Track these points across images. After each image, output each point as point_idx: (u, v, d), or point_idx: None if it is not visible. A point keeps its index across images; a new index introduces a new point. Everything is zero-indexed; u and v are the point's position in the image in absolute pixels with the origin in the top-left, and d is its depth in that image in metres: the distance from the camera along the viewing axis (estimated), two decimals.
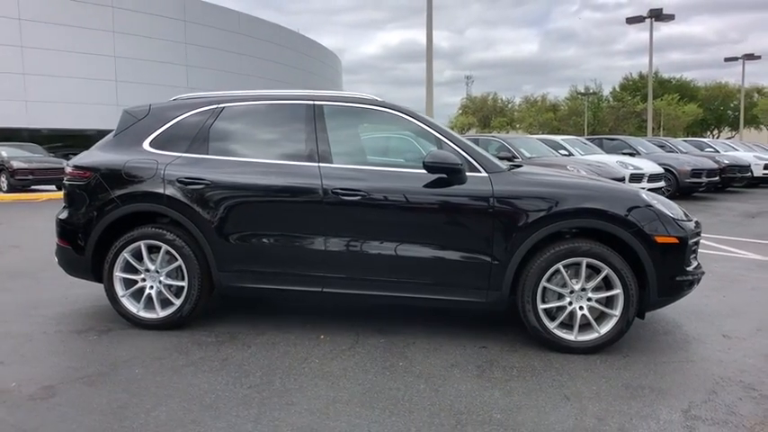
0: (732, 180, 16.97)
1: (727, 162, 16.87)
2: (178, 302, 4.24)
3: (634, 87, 59.41)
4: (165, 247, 4.23)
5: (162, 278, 4.28)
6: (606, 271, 3.79)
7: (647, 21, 30.55)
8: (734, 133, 60.85)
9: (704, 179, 14.81)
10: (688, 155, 16.68)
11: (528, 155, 12.15)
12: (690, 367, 3.67)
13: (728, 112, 64.04)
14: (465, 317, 4.61)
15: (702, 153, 17.92)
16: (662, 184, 13.36)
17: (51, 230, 4.76)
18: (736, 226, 10.15)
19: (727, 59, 43.06)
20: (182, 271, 4.23)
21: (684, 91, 60.57)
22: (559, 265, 3.83)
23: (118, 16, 30.21)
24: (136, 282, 4.32)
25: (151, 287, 4.30)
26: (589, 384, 3.38)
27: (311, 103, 4.35)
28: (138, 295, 4.33)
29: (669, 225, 3.86)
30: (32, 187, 17.84)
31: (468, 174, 3.98)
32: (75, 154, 4.89)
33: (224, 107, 4.45)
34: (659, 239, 3.80)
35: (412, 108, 4.45)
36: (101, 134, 5.50)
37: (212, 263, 4.19)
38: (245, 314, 4.70)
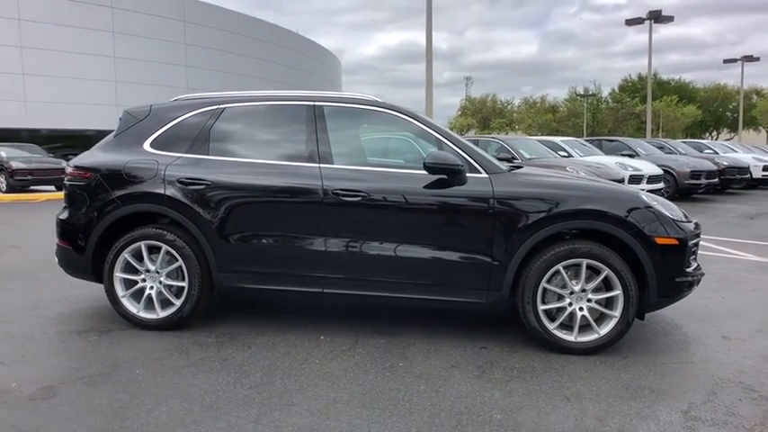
0: (731, 182, 16.99)
1: (726, 164, 16.89)
2: (178, 303, 4.24)
3: (633, 89, 59.54)
4: (165, 247, 4.23)
5: (162, 278, 4.29)
6: (606, 272, 3.80)
7: (647, 22, 30.61)
8: (733, 135, 60.95)
9: (703, 181, 14.82)
10: (687, 156, 16.71)
11: (527, 156, 12.17)
12: (689, 368, 3.67)
13: (727, 113, 64.19)
14: (465, 318, 4.61)
15: (701, 155, 17.94)
16: (661, 185, 13.38)
17: (51, 231, 4.76)
18: (735, 227, 10.16)
19: (725, 61, 43.18)
20: (182, 271, 4.23)
21: (683, 92, 60.72)
22: (559, 266, 3.83)
23: (117, 17, 30.22)
24: (136, 282, 4.32)
25: (151, 287, 4.30)
26: (589, 385, 3.39)
27: (312, 103, 4.36)
28: (138, 296, 4.33)
29: (669, 226, 3.86)
30: (31, 188, 17.83)
31: (468, 175, 3.99)
32: (75, 154, 4.89)
33: (225, 108, 4.46)
34: (659, 241, 3.81)
35: (412, 109, 4.45)
36: (100, 135, 5.50)
37: (213, 263, 4.20)
38: (245, 315, 4.70)
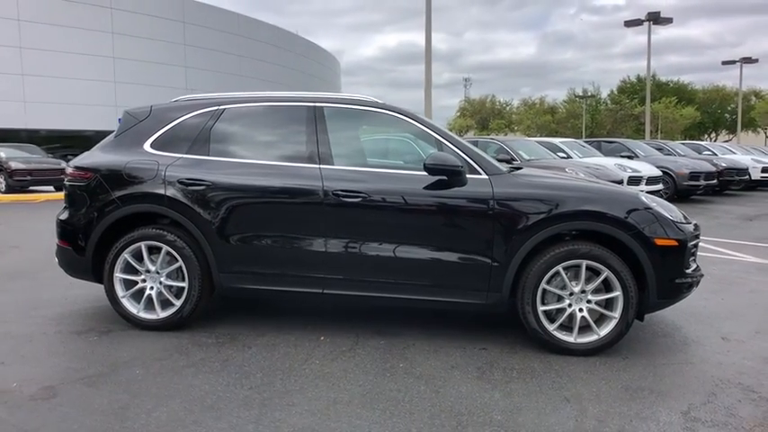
0: (730, 183, 17.01)
1: (724, 165, 16.91)
2: (178, 303, 4.25)
3: (632, 90, 59.60)
4: (165, 247, 4.23)
5: (162, 279, 4.29)
6: (606, 273, 3.81)
7: (645, 24, 30.63)
8: (731, 136, 61.00)
9: (702, 182, 14.84)
10: (686, 158, 16.72)
11: (526, 157, 12.18)
12: (689, 369, 3.68)
13: (726, 115, 64.23)
14: (465, 319, 4.62)
15: (700, 156, 17.96)
16: (660, 186, 13.39)
17: (50, 231, 4.76)
18: (734, 229, 10.18)
19: (724, 63, 43.20)
20: (182, 272, 4.23)
21: (682, 94, 60.77)
22: (559, 268, 3.84)
23: (117, 17, 30.21)
24: (136, 282, 4.32)
25: (151, 288, 4.30)
26: (589, 386, 3.39)
27: (312, 104, 4.36)
28: (138, 296, 4.33)
29: (668, 228, 3.87)
30: (31, 188, 17.81)
31: (468, 176, 3.99)
32: (74, 155, 4.89)
33: (225, 109, 4.46)
34: (659, 242, 3.81)
35: (411, 110, 4.46)
36: (99, 135, 5.50)
37: (213, 264, 4.20)
38: (245, 315, 4.70)
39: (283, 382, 3.41)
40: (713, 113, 63.64)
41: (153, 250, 4.30)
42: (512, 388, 3.36)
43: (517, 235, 3.87)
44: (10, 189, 17.18)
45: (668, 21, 30.67)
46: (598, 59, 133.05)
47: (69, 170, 4.53)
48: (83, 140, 25.58)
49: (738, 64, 42.33)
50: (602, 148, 16.70)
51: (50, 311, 4.80)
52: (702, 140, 46.83)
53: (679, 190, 14.52)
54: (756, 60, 42.01)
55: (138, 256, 4.29)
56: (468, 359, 3.81)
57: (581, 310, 3.88)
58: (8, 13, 26.80)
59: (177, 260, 4.23)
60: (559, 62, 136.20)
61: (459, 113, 73.58)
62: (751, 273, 6.55)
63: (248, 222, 4.18)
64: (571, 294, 3.88)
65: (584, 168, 11.49)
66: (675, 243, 3.85)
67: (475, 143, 11.04)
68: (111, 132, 4.72)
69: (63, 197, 4.63)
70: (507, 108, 72.58)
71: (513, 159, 11.68)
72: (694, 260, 4.12)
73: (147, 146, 4.41)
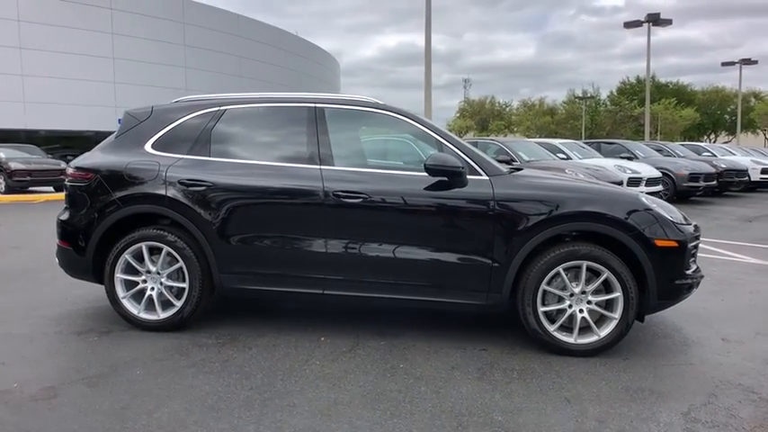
0: (729, 184, 17.01)
1: (724, 166, 16.91)
2: (179, 304, 4.25)
3: (631, 91, 59.63)
4: (166, 248, 4.23)
5: (163, 279, 4.29)
6: (606, 274, 3.81)
7: (645, 25, 30.66)
8: (731, 138, 61.05)
9: (701, 183, 14.86)
10: (685, 159, 16.73)
11: (526, 158, 12.19)
12: (689, 370, 3.68)
13: (725, 116, 64.27)
14: (465, 320, 4.62)
15: (700, 157, 17.96)
16: (659, 187, 13.41)
17: (50, 232, 4.76)
18: (733, 230, 10.18)
19: (724, 64, 43.24)
20: (183, 272, 4.23)
21: (681, 95, 60.83)
22: (559, 268, 3.84)
23: (116, 18, 30.25)
24: (137, 283, 4.32)
25: (152, 288, 4.30)
26: (589, 387, 3.40)
27: (312, 105, 4.37)
28: (138, 297, 4.33)
29: (669, 228, 3.88)
30: (30, 188, 17.81)
31: (468, 177, 3.99)
32: (74, 155, 4.90)
33: (226, 109, 4.47)
34: (659, 243, 3.82)
35: (412, 111, 4.46)
36: (99, 135, 5.53)
37: (213, 264, 4.20)
38: (245, 316, 4.70)
39: (284, 383, 3.41)
40: (713, 115, 63.69)
41: (154, 251, 4.30)
42: (512, 389, 3.37)
43: (517, 236, 3.88)
44: (10, 190, 17.18)
45: (668, 22, 30.69)
46: (597, 61, 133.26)
47: (70, 171, 4.53)
48: (82, 141, 25.66)
49: (738, 65, 42.38)
50: (601, 150, 16.71)
51: (51, 312, 4.80)
52: (702, 142, 46.83)
53: (678, 191, 14.53)
54: (756, 62, 42.07)
55: (138, 257, 4.29)
56: (469, 360, 3.81)
57: (581, 310, 3.88)
58: (8, 13, 26.83)
59: (178, 261, 4.23)
60: (559, 63, 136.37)
61: (458, 114, 73.60)
62: (750, 274, 6.56)
63: (249, 223, 4.18)
64: (571, 295, 3.88)
65: (583, 169, 11.50)
66: (675, 244, 3.85)
67: (474, 144, 11.05)
68: (110, 133, 4.72)
69: (63, 198, 4.63)
70: (507, 109, 72.63)
71: (513, 160, 11.69)
72: (694, 261, 4.12)
73: (147, 146, 4.41)
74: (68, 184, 4.53)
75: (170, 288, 4.31)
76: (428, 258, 4.00)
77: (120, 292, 4.31)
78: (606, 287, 3.87)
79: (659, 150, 17.93)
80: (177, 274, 4.28)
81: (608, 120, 54.94)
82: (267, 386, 3.37)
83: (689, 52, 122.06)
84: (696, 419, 3.00)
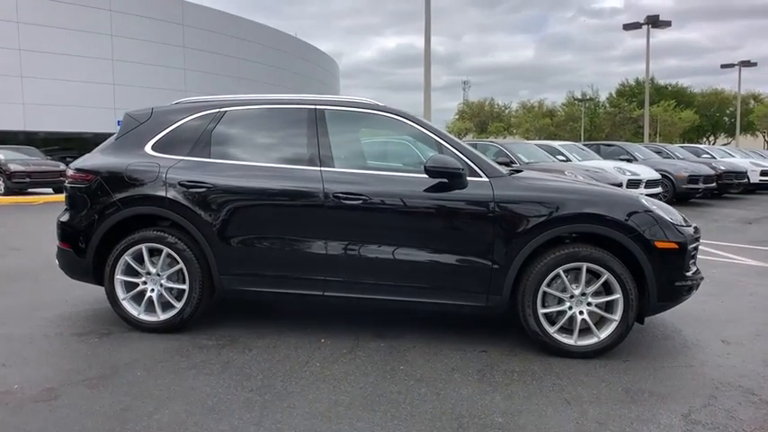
0: (729, 186, 17.01)
1: (723, 168, 16.92)
2: (179, 305, 4.25)
3: (631, 93, 59.70)
4: (166, 250, 4.23)
5: (163, 281, 4.29)
6: (606, 276, 3.81)
7: (644, 27, 30.71)
8: (730, 140, 61.11)
9: (701, 185, 14.87)
10: (685, 161, 16.75)
11: (525, 160, 12.20)
12: (689, 372, 3.69)
13: (725, 118, 64.37)
14: (465, 321, 4.62)
15: (699, 159, 17.99)
16: (659, 189, 13.42)
17: (50, 233, 4.76)
18: (733, 232, 10.19)
19: (723, 66, 43.28)
20: (183, 274, 4.24)
21: (681, 97, 60.89)
22: (559, 270, 3.85)
23: (116, 19, 30.24)
24: (137, 285, 4.32)
25: (152, 290, 4.30)
26: (589, 388, 3.40)
27: (312, 107, 4.37)
28: (138, 298, 4.33)
29: (669, 230, 3.88)
30: (29, 190, 17.80)
31: (468, 178, 4.00)
32: (73, 157, 4.90)
33: (226, 111, 4.47)
34: (659, 244, 3.82)
35: (412, 112, 4.47)
36: (98, 137, 5.53)
37: (213, 266, 4.20)
38: (245, 317, 4.70)
39: (284, 384, 3.41)
40: (712, 117, 63.76)
41: (154, 252, 4.30)
42: (512, 390, 3.37)
43: (517, 237, 3.88)
44: (9, 191, 17.16)
45: (667, 24, 30.76)
46: (597, 62, 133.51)
47: (70, 172, 4.53)
48: (81, 142, 25.66)
49: (737, 67, 42.46)
50: (601, 152, 16.73)
51: (51, 313, 4.80)
52: (701, 144, 46.89)
53: (678, 193, 14.55)
54: (755, 64, 42.16)
55: (138, 259, 4.29)
56: (469, 362, 3.81)
57: (581, 312, 3.88)
58: (7, 15, 26.81)
59: (178, 262, 4.23)
60: (558, 65, 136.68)
61: (457, 116, 73.68)
62: (750, 276, 6.57)
63: (249, 224, 4.18)
64: (571, 297, 3.89)
65: (583, 171, 11.52)
66: (675, 246, 3.86)
67: (474, 146, 11.06)
68: (109, 134, 4.73)
69: (63, 199, 4.63)
70: (506, 111, 72.71)
71: (513, 162, 11.69)
72: (694, 263, 4.12)
73: (148, 148, 4.41)
74: (68, 185, 4.53)
75: (170, 290, 4.31)
76: (428, 260, 4.00)
77: (121, 293, 4.31)
78: (606, 289, 3.87)
79: (658, 152, 17.95)
80: (177, 276, 4.28)
81: (607, 122, 54.99)
82: (267, 387, 3.37)
83: (688, 54, 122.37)
84: (696, 421, 3.00)
